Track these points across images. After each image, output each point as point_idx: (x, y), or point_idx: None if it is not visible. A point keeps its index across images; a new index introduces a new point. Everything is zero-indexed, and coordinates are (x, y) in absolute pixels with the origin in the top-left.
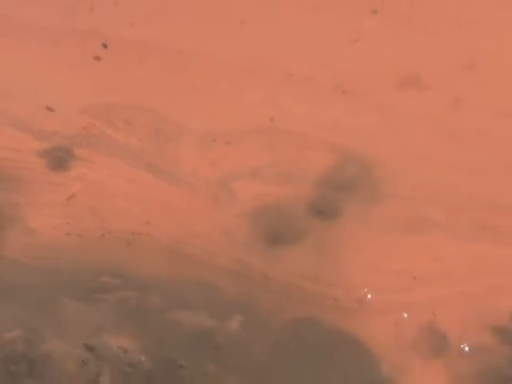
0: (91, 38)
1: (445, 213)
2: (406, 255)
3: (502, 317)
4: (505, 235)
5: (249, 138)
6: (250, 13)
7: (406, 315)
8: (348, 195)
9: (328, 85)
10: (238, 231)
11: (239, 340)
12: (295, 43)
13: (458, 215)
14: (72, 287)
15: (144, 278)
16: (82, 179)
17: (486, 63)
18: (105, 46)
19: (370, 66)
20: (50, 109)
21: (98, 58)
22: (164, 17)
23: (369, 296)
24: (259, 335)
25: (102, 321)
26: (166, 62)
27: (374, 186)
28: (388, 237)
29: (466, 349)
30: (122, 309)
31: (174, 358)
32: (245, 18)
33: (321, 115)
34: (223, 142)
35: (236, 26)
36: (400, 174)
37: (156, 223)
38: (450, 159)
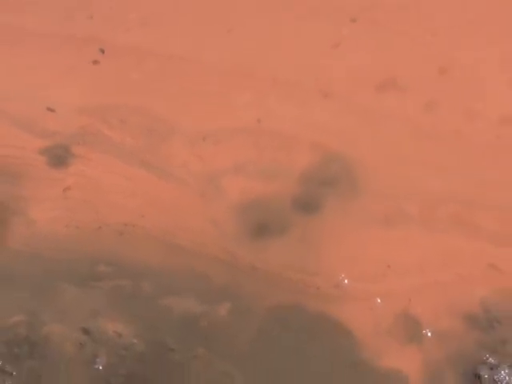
0: (89, 43)
1: (419, 208)
2: (383, 246)
3: (472, 305)
4: (476, 229)
5: (237, 138)
6: (236, 22)
7: (381, 302)
8: (329, 191)
9: (311, 88)
10: (226, 224)
11: (227, 325)
12: (279, 50)
13: (432, 210)
14: (70, 275)
15: (137, 267)
16: (79, 175)
17: (458, 69)
18: (102, 51)
19: (349, 70)
20: (50, 110)
21: (96, 63)
22: (157, 23)
23: (348, 284)
24: (246, 321)
25: (98, 307)
26: (159, 65)
27: (354, 183)
28: (366, 229)
29: (439, 334)
30: (116, 295)
31: (166, 341)
32: (232, 27)
33: (304, 117)
34: (212, 140)
35: (224, 34)
36: (378, 171)
37: (149, 216)
38: (425, 158)
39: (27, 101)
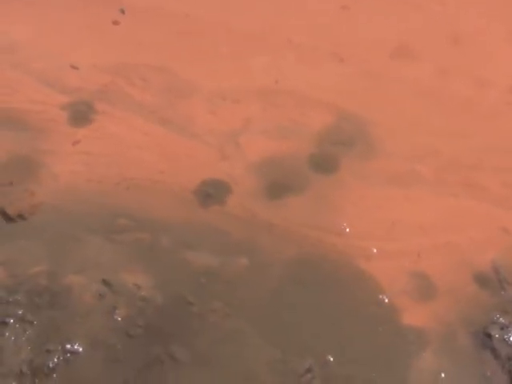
0: (109, 4)
1: (431, 170)
2: (396, 206)
3: (483, 266)
4: (486, 193)
5: (255, 98)
6: None
7: (394, 260)
8: (345, 151)
9: (327, 52)
10: (243, 181)
11: (244, 280)
12: (296, 13)
13: (444, 173)
14: (91, 228)
15: (157, 221)
16: (101, 131)
17: (468, 39)
18: (122, 12)
19: (364, 37)
20: (73, 67)
21: (116, 23)
22: None
23: (363, 242)
24: (263, 276)
25: (118, 259)
26: (179, 26)
27: (369, 144)
28: (380, 189)
29: (450, 294)
30: (136, 249)
31: (184, 295)
32: None
33: (320, 79)
34: (231, 100)
35: None
36: (391, 133)
37: (169, 172)
38: (437, 122)
39: (51, 59)
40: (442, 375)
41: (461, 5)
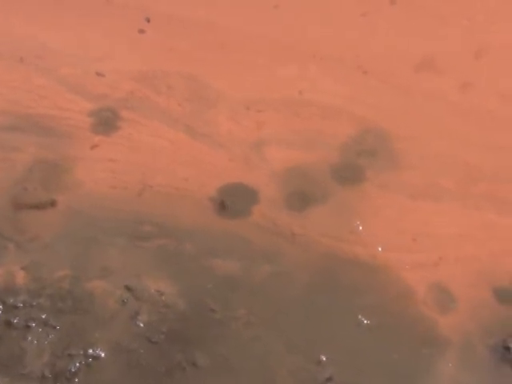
0: (135, 13)
1: (455, 183)
2: (419, 218)
3: (503, 279)
4: (510, 206)
5: (279, 108)
6: None
7: (415, 272)
8: (368, 162)
9: (351, 64)
10: (267, 190)
11: (267, 287)
12: (322, 26)
13: (467, 186)
14: (115, 234)
15: (181, 228)
16: (126, 138)
17: (492, 53)
18: (148, 21)
19: (388, 49)
20: (99, 74)
21: (142, 31)
22: None
23: (384, 254)
24: (285, 283)
25: (142, 265)
26: (204, 36)
27: (392, 156)
28: (403, 201)
29: (469, 307)
30: (160, 255)
31: (206, 301)
32: (278, 3)
33: (344, 90)
34: (256, 109)
35: (271, 9)
36: (416, 146)
37: (193, 180)
38: (461, 135)
39: (77, 66)
40: None
41: (488, 19)
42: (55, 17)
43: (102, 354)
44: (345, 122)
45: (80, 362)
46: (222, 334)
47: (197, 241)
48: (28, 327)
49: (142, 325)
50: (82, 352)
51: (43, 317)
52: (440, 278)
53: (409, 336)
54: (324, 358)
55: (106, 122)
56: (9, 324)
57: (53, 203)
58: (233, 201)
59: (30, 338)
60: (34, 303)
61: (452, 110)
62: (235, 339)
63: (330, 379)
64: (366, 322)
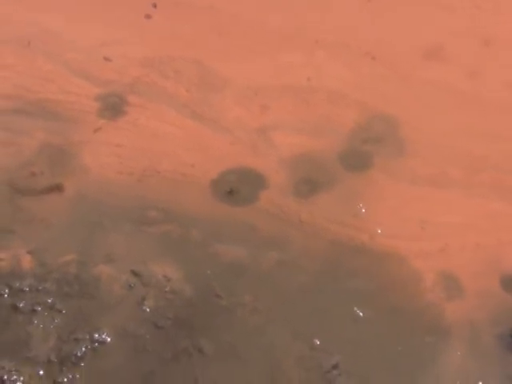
0: None
1: (462, 172)
2: (425, 207)
3: (510, 267)
4: None
5: (287, 94)
6: None
7: (423, 260)
8: (375, 149)
9: (359, 51)
10: (274, 177)
11: (273, 275)
12: (328, 12)
13: (474, 175)
14: (122, 219)
15: (187, 214)
16: (133, 123)
17: (501, 41)
18: (154, 6)
19: (397, 37)
20: (107, 59)
21: (148, 17)
22: None
23: (391, 241)
24: (292, 270)
25: (148, 251)
26: (211, 21)
27: (399, 143)
28: (410, 189)
29: (477, 296)
30: (166, 241)
31: (213, 288)
32: None
33: (352, 77)
34: (263, 95)
35: None
36: (422, 134)
37: (200, 166)
38: (467, 124)
39: (84, 50)
40: (467, 376)
41: (496, 8)
42: (61, 2)
43: (108, 339)
44: (353, 109)
45: (86, 347)
46: (228, 321)
47: (203, 227)
48: (34, 311)
49: (148, 310)
50: (88, 337)
51: (49, 301)
52: (447, 266)
53: (415, 324)
54: (330, 346)
55: (113, 106)
56: (15, 308)
57: (60, 188)
58: (239, 187)
59: (36, 322)
60: (40, 287)
61: (459, 99)
62: (241, 326)
63: (335, 366)
64: (373, 310)
